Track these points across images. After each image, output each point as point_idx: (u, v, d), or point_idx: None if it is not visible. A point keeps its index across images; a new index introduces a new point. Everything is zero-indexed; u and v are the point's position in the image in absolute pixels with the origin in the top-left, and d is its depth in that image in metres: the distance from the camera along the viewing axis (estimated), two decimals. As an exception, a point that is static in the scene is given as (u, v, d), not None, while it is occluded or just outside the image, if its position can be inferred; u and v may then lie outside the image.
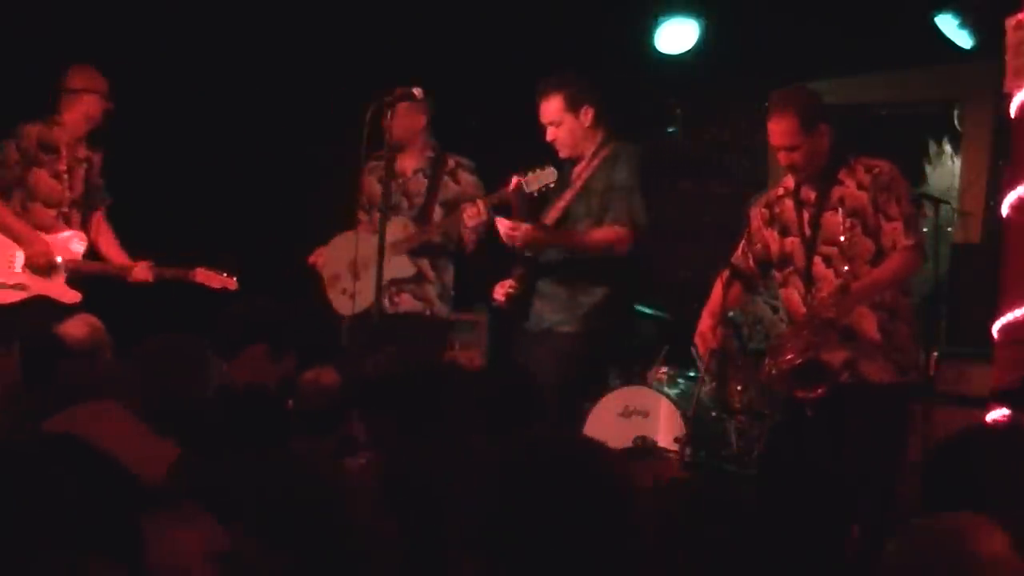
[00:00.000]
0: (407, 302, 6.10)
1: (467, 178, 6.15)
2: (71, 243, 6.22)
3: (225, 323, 4.66)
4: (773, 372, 4.85)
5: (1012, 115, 5.38)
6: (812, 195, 4.97)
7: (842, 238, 4.85)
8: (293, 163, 7.71)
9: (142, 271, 6.20)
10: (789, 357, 4.79)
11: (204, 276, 6.18)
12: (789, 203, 5.04)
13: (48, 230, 6.18)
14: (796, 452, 4.82)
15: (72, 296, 6.15)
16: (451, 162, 6.17)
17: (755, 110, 5.64)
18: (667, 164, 8.62)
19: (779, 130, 4.88)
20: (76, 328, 4.59)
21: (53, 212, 6.18)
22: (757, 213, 5.18)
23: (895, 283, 4.88)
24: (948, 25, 6.90)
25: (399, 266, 6.02)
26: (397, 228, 6.04)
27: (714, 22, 7.79)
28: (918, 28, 6.98)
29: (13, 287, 6.13)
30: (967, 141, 7.77)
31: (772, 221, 5.10)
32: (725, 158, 8.48)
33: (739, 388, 6.65)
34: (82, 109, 6.17)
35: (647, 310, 7.28)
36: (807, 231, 4.96)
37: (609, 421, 6.57)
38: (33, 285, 6.13)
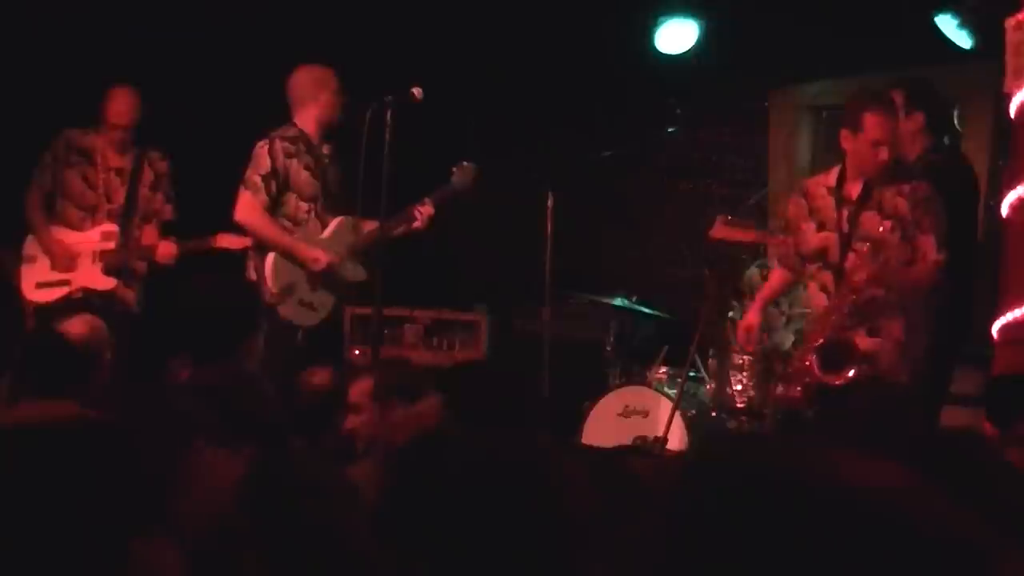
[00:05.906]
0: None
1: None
2: (100, 236, 6.36)
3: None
4: (804, 362, 4.87)
5: (1012, 115, 5.37)
6: (854, 193, 4.97)
7: (878, 236, 4.85)
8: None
9: (167, 247, 6.35)
10: (815, 340, 4.84)
11: (225, 240, 6.24)
12: (829, 200, 5.04)
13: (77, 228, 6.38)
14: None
15: (106, 282, 6.31)
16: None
17: (755, 110, 5.63)
18: (667, 164, 8.62)
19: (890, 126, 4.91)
20: (77, 327, 4.60)
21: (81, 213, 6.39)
22: (796, 202, 5.20)
23: (914, 290, 4.89)
24: (948, 25, 6.88)
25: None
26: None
27: (714, 22, 7.78)
28: (918, 28, 6.97)
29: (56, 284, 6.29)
30: (967, 141, 7.76)
31: (811, 213, 5.12)
32: (725, 158, 8.47)
33: (739, 388, 6.65)
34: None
35: (647, 310, 7.28)
36: (844, 227, 4.97)
37: (609, 421, 6.57)
38: (74, 279, 6.29)
